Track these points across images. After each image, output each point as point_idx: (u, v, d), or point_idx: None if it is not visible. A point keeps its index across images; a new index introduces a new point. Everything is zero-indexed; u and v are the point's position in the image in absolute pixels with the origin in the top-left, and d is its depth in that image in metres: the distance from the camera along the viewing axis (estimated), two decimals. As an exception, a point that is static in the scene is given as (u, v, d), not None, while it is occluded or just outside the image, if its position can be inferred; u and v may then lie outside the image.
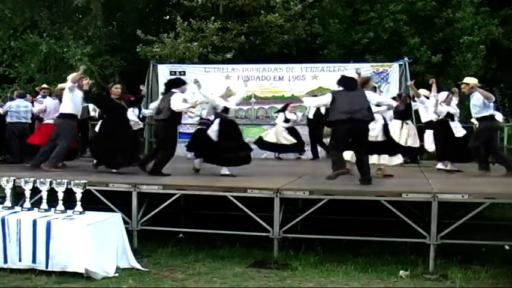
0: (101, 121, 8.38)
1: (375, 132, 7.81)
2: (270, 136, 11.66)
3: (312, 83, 13.09)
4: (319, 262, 6.09)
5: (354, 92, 6.89)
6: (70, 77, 8.37)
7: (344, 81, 7.14)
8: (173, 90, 7.84)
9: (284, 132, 11.60)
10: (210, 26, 14.67)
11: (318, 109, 10.66)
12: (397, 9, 15.14)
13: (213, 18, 14.85)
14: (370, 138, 7.37)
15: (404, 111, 10.18)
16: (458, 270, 5.73)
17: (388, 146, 8.04)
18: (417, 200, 6.23)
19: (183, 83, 8.18)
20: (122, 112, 8.20)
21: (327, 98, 7.03)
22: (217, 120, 7.86)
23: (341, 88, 7.00)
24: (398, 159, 8.19)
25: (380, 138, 7.97)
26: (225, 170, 7.75)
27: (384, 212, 6.44)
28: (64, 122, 8.25)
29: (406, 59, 13.01)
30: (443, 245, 5.90)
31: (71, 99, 8.22)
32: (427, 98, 9.67)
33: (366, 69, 12.96)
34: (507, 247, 6.37)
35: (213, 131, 7.77)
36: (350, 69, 13.09)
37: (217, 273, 5.65)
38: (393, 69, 12.97)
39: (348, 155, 7.29)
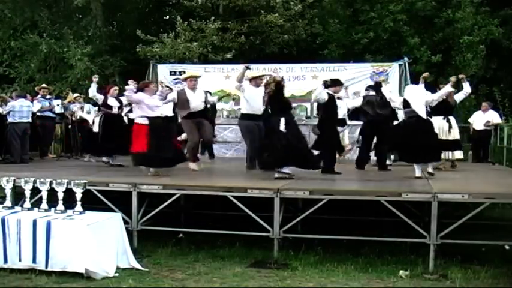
0: (282, 119, 7.13)
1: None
2: None
3: (312, 83, 13.06)
4: (319, 262, 6.07)
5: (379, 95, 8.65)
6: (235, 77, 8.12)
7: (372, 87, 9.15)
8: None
9: None
10: (210, 26, 14.68)
11: None
12: (397, 9, 15.14)
13: (213, 18, 14.87)
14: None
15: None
16: (458, 270, 5.71)
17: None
18: (417, 200, 6.21)
19: (339, 83, 8.38)
20: (290, 109, 7.76)
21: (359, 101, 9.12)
22: None
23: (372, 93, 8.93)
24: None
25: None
26: None
27: (384, 212, 6.43)
28: (242, 122, 8.26)
29: (406, 59, 13.04)
30: (443, 245, 5.89)
31: (244, 98, 8.22)
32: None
33: (366, 69, 12.97)
34: (507, 247, 6.35)
35: None
36: (350, 69, 13.16)
37: (217, 273, 5.64)
38: (393, 69, 12.99)
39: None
